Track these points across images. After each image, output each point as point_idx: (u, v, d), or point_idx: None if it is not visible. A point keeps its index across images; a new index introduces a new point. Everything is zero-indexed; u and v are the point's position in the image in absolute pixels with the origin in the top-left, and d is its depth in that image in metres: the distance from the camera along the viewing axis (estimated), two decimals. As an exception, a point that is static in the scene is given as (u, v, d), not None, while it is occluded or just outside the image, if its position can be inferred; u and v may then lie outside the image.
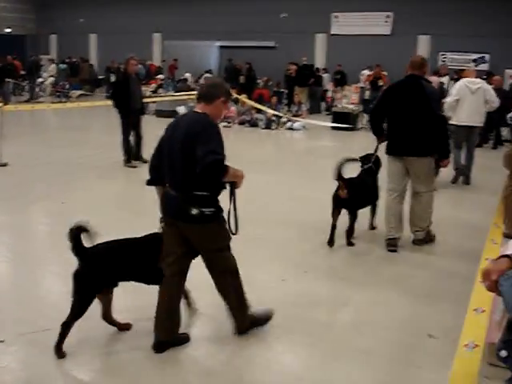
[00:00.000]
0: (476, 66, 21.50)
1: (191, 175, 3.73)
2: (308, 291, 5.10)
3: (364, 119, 17.26)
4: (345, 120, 16.29)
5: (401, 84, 6.32)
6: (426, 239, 6.41)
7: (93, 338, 4.09)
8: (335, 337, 4.25)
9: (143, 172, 9.80)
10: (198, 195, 3.81)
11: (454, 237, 6.93)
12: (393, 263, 5.92)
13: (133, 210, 7.66)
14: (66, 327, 3.81)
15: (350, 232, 6.33)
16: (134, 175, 9.72)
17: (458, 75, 15.84)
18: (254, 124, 16.70)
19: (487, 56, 21.60)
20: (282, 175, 10.17)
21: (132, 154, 10.52)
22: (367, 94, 18.76)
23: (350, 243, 6.32)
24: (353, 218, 6.30)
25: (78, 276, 3.83)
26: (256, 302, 4.44)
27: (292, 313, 4.61)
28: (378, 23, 23.32)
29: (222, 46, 27.02)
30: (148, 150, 11.44)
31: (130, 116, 10.31)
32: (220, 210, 3.98)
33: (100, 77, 26.21)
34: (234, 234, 4.15)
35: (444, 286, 5.31)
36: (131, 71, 10.47)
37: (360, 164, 6.78)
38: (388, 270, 5.71)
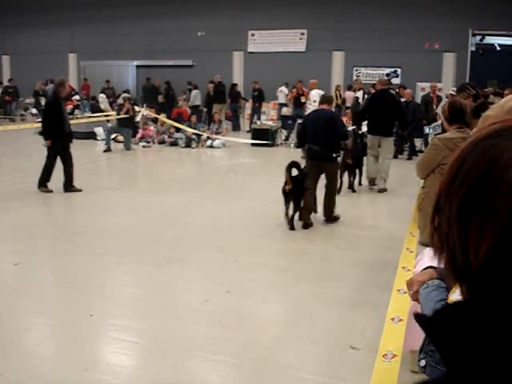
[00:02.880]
0: (389, 79, 22.19)
1: (332, 139, 7.83)
2: (231, 310, 5.06)
3: (283, 135, 17.47)
4: (264, 136, 16.41)
5: (378, 94, 10.95)
6: (385, 189, 10.29)
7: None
8: (259, 355, 4.23)
9: (60, 198, 9.58)
10: (335, 148, 8.01)
11: (372, 247, 7.07)
12: (313, 278, 5.97)
13: (50, 236, 7.43)
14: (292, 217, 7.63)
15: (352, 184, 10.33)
16: (51, 200, 9.43)
17: (373, 89, 16.30)
18: (174, 143, 16.60)
19: (399, 70, 22.34)
20: (203, 194, 10.12)
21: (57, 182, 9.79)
22: (284, 110, 18.94)
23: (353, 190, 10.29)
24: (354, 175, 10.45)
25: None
26: (179, 324, 4.37)
27: (216, 333, 4.57)
28: (292, 41, 23.73)
29: (139, 66, 26.77)
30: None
31: (62, 140, 9.79)
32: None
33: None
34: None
35: (365, 296, 5.39)
36: (64, 94, 10.27)
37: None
38: (309, 284, 5.75)
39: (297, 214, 7.73)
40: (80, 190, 9.83)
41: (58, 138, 9.75)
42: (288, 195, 7.62)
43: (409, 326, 3.19)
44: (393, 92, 12.06)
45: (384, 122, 10.44)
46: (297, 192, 7.61)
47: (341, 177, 9.53)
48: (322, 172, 7.95)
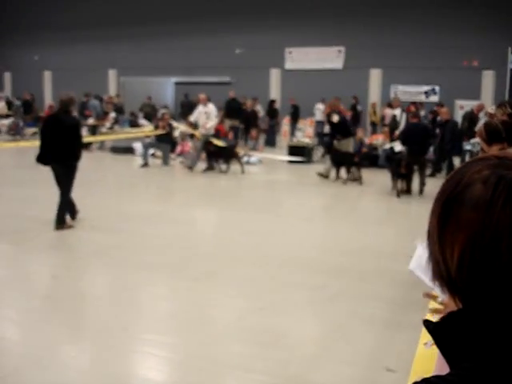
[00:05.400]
0: (427, 97, 22.04)
1: (424, 141, 12.14)
2: (266, 328, 5.04)
3: (319, 152, 17.42)
4: (300, 153, 16.40)
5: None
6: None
7: None
8: (293, 374, 4.19)
9: (97, 211, 9.57)
10: (426, 147, 12.60)
11: (405, 266, 6.97)
12: (350, 297, 5.91)
13: (88, 250, 7.50)
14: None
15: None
16: (88, 214, 9.48)
17: (407, 109, 16.25)
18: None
19: (437, 88, 22.16)
20: (239, 210, 10.15)
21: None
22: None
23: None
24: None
25: None
26: (213, 340, 4.36)
27: (250, 351, 4.55)
28: (330, 58, 23.76)
29: (177, 82, 27.09)
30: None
31: None
32: None
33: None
34: None
35: (402, 316, 5.32)
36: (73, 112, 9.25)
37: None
38: (345, 303, 5.69)
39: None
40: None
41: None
42: (403, 176, 11.78)
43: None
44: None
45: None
46: (408, 173, 11.87)
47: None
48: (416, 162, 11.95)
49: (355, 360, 4.41)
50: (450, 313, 0.93)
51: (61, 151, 8.17)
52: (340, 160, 13.53)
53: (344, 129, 14.36)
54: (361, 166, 13.36)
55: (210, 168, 14.84)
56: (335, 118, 14.22)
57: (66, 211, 8.44)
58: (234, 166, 14.90)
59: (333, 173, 13.56)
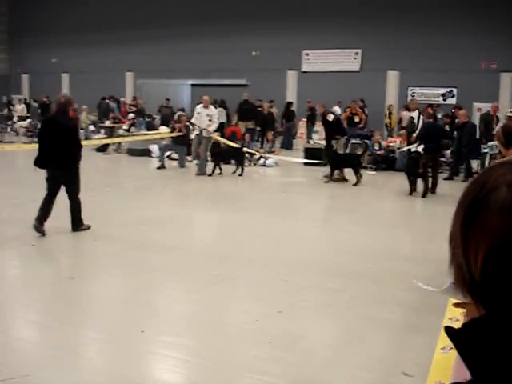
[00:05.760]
0: (444, 100, 21.90)
1: (439, 140, 12.75)
2: (281, 331, 5.03)
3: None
4: (317, 156, 16.36)
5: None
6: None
7: None
8: (308, 377, 4.18)
9: (114, 214, 9.63)
10: (441, 146, 13.41)
11: (424, 270, 6.93)
12: (366, 301, 5.88)
13: (105, 252, 7.53)
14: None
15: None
16: (104, 217, 9.53)
17: (424, 111, 16.17)
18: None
19: (455, 90, 22.02)
20: (254, 212, 10.14)
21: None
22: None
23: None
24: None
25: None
26: (229, 343, 4.36)
27: (265, 354, 4.54)
28: (347, 60, 23.70)
29: (194, 84, 27.17)
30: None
31: None
32: None
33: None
34: None
35: (419, 320, 5.28)
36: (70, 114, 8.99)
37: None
38: (361, 307, 5.67)
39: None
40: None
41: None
42: (419, 175, 11.97)
43: (458, 356, 3.08)
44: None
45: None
46: (425, 173, 12.02)
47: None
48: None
49: (371, 364, 4.39)
50: (473, 319, 0.91)
51: (59, 154, 7.97)
52: (342, 161, 13.53)
53: (340, 128, 14.34)
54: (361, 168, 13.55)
55: (215, 167, 14.74)
56: (331, 117, 14.18)
57: (80, 213, 8.34)
58: (251, 168, 14.90)
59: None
